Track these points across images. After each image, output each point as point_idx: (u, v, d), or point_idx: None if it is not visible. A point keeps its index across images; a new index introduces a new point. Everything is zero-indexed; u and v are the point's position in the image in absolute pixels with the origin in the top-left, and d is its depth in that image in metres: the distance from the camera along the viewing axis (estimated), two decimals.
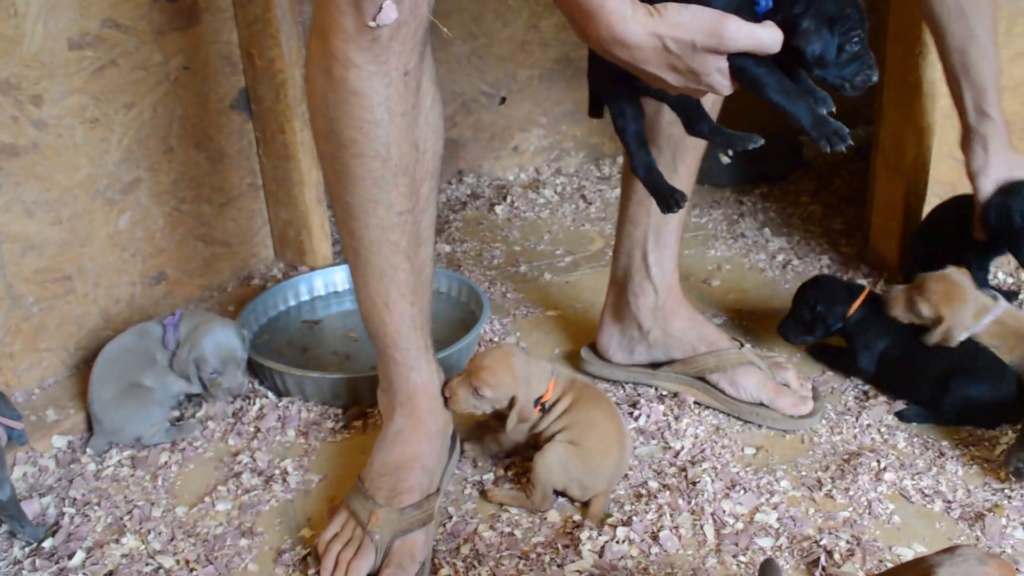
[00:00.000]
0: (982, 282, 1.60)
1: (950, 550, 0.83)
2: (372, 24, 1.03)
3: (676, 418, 1.46)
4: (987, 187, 1.52)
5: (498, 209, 2.23)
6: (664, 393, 1.52)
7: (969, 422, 1.41)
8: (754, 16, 1.01)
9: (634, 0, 0.99)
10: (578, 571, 1.18)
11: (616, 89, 1.18)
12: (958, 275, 1.47)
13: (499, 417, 1.33)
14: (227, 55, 1.79)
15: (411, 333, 1.27)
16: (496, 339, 1.71)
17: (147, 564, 1.23)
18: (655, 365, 1.54)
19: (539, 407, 1.32)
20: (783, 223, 2.09)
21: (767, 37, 0.99)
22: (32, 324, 1.54)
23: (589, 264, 1.97)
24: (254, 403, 1.55)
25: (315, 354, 1.68)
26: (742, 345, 1.51)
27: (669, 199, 1.21)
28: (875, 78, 1.03)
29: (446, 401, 1.32)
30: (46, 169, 1.52)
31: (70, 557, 1.23)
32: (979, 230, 1.55)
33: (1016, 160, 1.53)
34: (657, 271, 1.49)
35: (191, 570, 1.22)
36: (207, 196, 1.82)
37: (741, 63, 1.01)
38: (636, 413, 1.47)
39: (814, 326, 1.53)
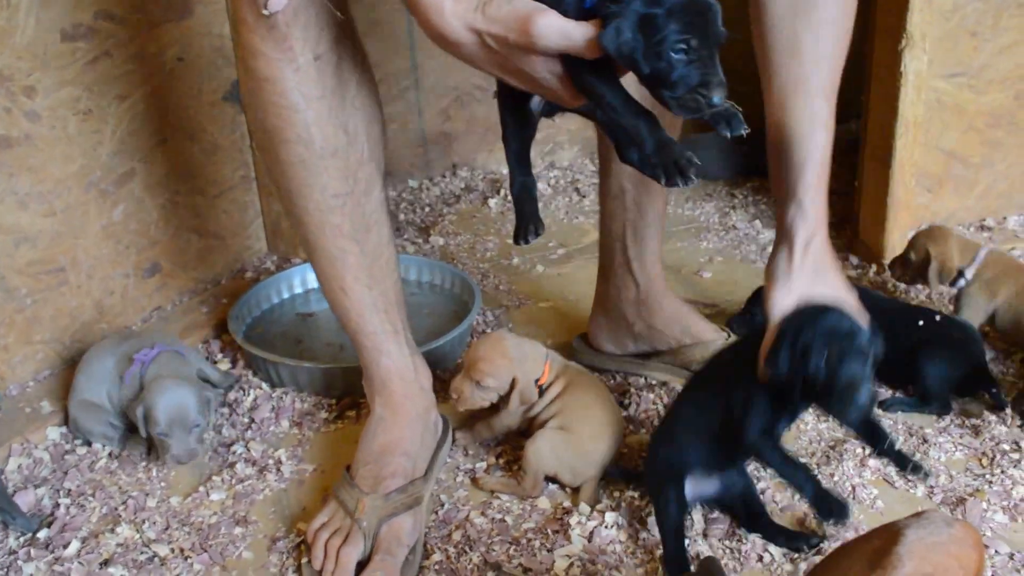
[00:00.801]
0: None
1: (917, 515, 0.85)
2: (265, 12, 1.05)
3: (666, 406, 1.48)
4: (783, 304, 1.05)
5: (491, 202, 2.25)
6: (654, 382, 1.54)
7: (953, 393, 1.43)
8: (581, 12, 0.85)
9: None
10: (568, 555, 1.19)
11: (504, 97, 1.04)
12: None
13: (495, 407, 1.34)
14: (219, 47, 1.80)
15: (374, 317, 1.28)
16: (489, 330, 1.72)
17: (142, 553, 1.24)
18: (645, 356, 1.55)
19: (538, 388, 1.33)
20: (774, 216, 2.10)
21: (580, 36, 0.83)
22: (26, 316, 1.55)
23: (582, 256, 1.98)
24: (248, 394, 1.56)
25: (309, 345, 1.69)
26: (729, 336, 1.52)
27: (523, 228, 1.05)
28: (717, 100, 0.81)
29: (455, 402, 1.33)
30: (39, 161, 1.52)
31: (65, 547, 1.24)
32: (763, 371, 1.05)
33: (826, 273, 1.06)
34: (637, 265, 1.49)
35: (186, 558, 1.23)
36: (200, 188, 1.82)
37: (570, 64, 0.86)
38: (627, 402, 1.49)
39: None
